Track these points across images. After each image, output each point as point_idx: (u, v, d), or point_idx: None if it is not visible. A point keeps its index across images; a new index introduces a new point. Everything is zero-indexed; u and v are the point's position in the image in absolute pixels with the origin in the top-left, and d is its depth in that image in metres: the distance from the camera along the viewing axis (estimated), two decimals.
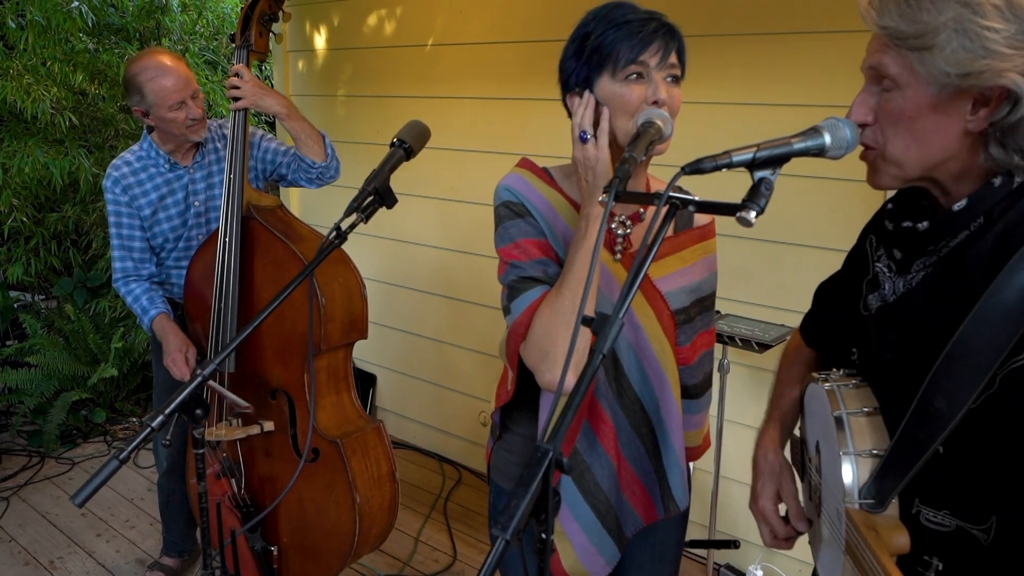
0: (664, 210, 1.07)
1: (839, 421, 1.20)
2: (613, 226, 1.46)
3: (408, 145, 1.61)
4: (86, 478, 2.97)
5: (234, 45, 2.49)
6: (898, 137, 1.08)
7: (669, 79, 1.36)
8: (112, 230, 2.62)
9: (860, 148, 1.14)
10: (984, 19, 0.98)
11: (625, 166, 1.09)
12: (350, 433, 2.39)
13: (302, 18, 4.29)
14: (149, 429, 1.30)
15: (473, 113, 3.58)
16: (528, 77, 3.37)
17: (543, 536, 1.02)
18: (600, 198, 1.13)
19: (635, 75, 1.34)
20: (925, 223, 1.12)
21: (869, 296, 1.25)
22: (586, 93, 1.36)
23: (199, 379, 1.34)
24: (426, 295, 3.98)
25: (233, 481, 2.50)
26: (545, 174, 1.48)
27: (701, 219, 1.55)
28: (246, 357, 2.46)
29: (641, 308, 1.45)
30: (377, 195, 1.55)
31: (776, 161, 1.04)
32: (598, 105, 1.36)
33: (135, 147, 2.65)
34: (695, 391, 1.57)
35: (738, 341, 2.50)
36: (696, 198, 1.07)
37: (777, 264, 2.78)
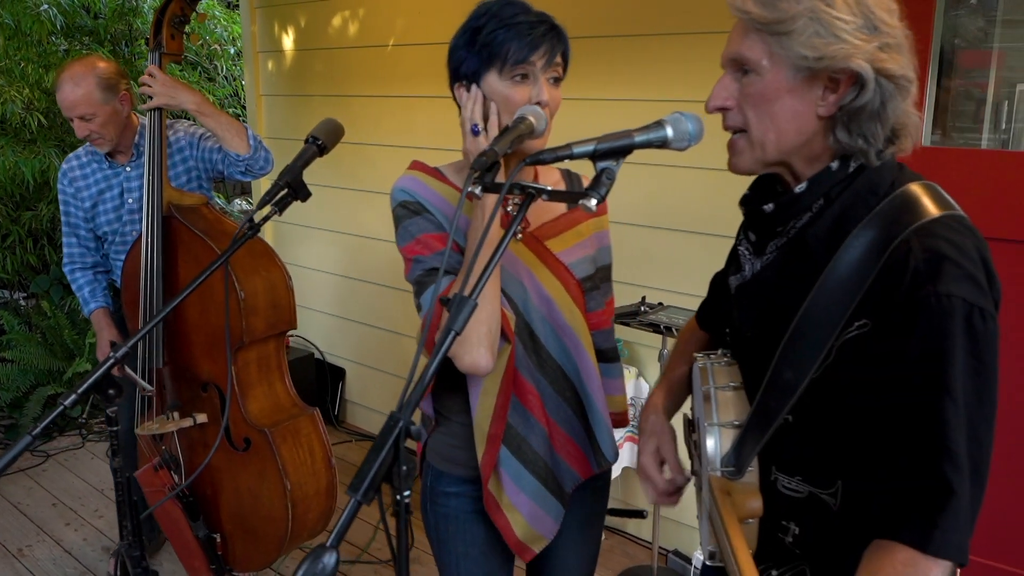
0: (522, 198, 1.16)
1: (707, 395, 1.28)
2: (509, 209, 1.52)
3: (321, 142, 1.70)
4: (60, 470, 3.06)
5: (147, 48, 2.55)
6: (759, 119, 1.14)
7: (551, 80, 1.44)
8: (63, 218, 2.76)
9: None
10: (835, 10, 1.07)
11: (483, 158, 1.17)
12: (281, 422, 2.47)
13: (271, 19, 4.38)
14: (62, 407, 1.39)
15: (432, 112, 3.66)
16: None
17: (398, 498, 1.10)
18: (470, 189, 1.21)
19: (521, 76, 1.41)
20: (771, 205, 1.20)
21: (731, 277, 1.33)
22: (474, 87, 1.43)
23: (111, 361, 1.43)
24: (385, 288, 4.08)
25: (173, 473, 2.59)
26: (437, 172, 1.56)
27: None
28: (177, 351, 2.54)
29: (548, 281, 1.53)
30: (290, 188, 1.64)
31: (617, 153, 1.12)
32: (486, 99, 1.43)
33: (87, 144, 2.76)
34: (611, 355, 1.67)
35: (675, 332, 2.59)
36: (548, 188, 1.16)
37: (718, 256, 2.86)
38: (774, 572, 1.28)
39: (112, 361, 1.44)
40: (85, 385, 1.42)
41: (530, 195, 1.16)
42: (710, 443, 1.24)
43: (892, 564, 1.01)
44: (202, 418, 2.54)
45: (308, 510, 2.52)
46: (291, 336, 4.40)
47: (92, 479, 3.82)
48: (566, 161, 1.22)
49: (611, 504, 2.40)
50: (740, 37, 1.15)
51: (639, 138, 1.14)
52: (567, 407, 1.59)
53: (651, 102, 2.89)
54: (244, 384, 2.51)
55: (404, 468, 1.09)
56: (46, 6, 3.88)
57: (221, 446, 2.56)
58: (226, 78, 5.54)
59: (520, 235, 1.53)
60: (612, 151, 1.12)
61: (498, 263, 1.38)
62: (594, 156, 1.12)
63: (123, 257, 2.73)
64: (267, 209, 1.63)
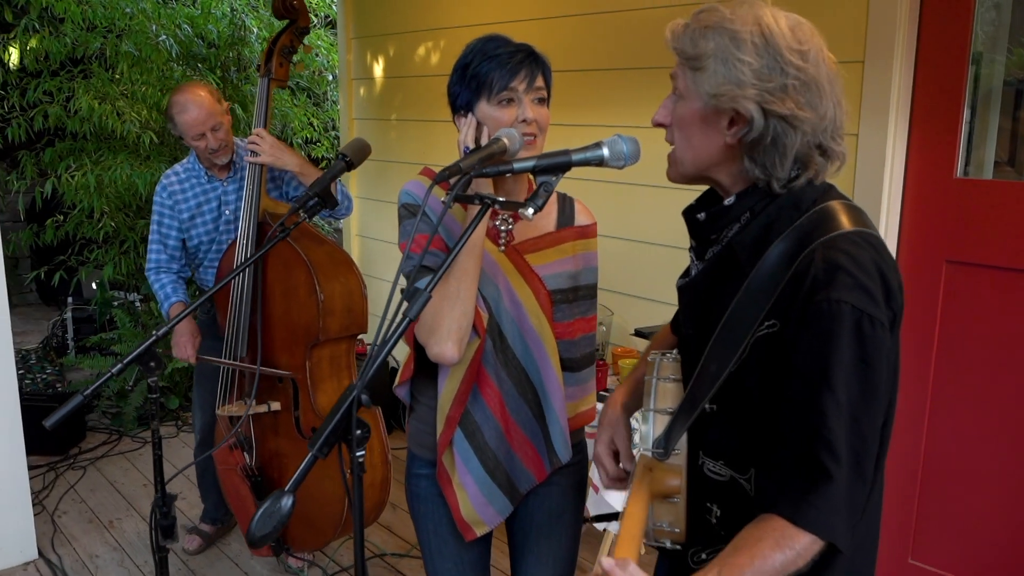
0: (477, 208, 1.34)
1: (649, 385, 1.42)
2: (498, 223, 1.71)
3: (349, 158, 1.93)
4: (153, 458, 3.41)
5: (258, 75, 2.87)
6: (679, 140, 1.30)
7: (536, 100, 1.62)
8: (153, 227, 3.07)
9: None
10: (740, 52, 1.20)
11: (445, 172, 1.36)
12: None
13: (364, 48, 4.72)
14: (109, 374, 1.66)
15: None
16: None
17: (359, 460, 1.30)
18: (443, 199, 1.39)
19: (506, 100, 1.60)
20: (703, 214, 1.35)
21: (678, 279, 1.47)
22: (469, 115, 1.63)
23: (152, 338, 1.68)
24: None
25: (246, 453, 2.86)
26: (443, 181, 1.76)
27: (582, 219, 1.80)
28: (265, 344, 2.81)
29: (521, 289, 1.69)
30: (319, 198, 1.86)
31: (556, 169, 1.29)
32: (479, 124, 1.62)
33: (185, 160, 3.10)
34: (574, 364, 1.78)
35: None
36: (501, 199, 1.33)
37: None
38: (704, 555, 1.40)
39: (153, 339, 1.70)
40: (130, 356, 1.68)
41: (486, 204, 1.34)
42: (645, 426, 1.38)
43: (764, 530, 1.13)
44: (276, 406, 2.81)
45: (363, 499, 2.74)
46: (368, 345, 4.68)
47: (180, 462, 4.18)
48: (549, 183, 1.38)
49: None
50: (677, 63, 1.30)
51: (576, 156, 1.30)
52: (527, 408, 1.73)
53: (640, 128, 3.02)
54: (316, 378, 2.76)
55: (359, 432, 1.28)
56: (164, 36, 4.33)
57: (289, 433, 2.82)
58: (333, 103, 5.95)
59: (504, 247, 1.70)
60: (551, 167, 1.28)
61: (454, 262, 1.53)
62: (535, 171, 1.28)
63: (216, 263, 3.05)
64: (298, 215, 1.86)
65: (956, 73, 2.50)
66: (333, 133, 5.96)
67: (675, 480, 1.32)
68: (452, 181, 1.38)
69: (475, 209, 1.59)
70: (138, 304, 5.36)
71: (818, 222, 1.23)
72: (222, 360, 2.77)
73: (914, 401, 2.66)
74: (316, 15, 5.79)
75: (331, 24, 5.92)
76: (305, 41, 2.97)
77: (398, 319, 1.29)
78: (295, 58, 2.95)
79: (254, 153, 2.74)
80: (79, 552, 3.39)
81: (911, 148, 2.62)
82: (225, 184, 3.05)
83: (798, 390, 1.16)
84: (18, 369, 5.46)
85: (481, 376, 1.71)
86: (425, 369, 1.74)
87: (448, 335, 1.56)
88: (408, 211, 1.70)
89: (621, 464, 1.54)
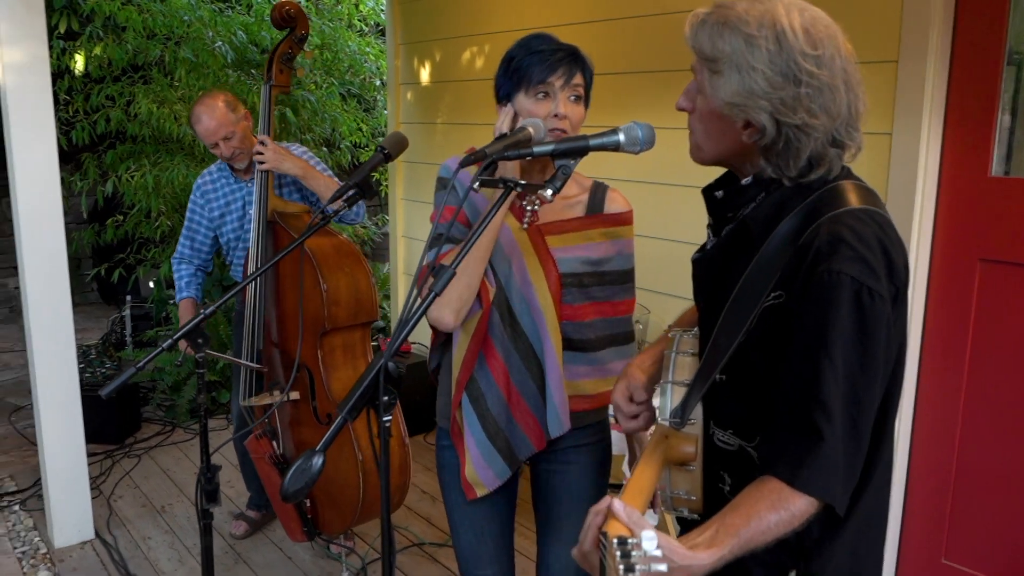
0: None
1: (668, 358, 1.49)
2: (524, 203, 1.80)
3: (387, 151, 2.02)
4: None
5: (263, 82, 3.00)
6: (700, 131, 1.35)
7: (572, 98, 1.71)
8: (186, 223, 3.26)
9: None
10: (753, 59, 1.23)
11: (470, 156, 1.44)
12: None
13: (411, 54, 4.84)
14: (161, 349, 1.77)
15: None
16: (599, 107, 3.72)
17: (385, 426, 1.38)
18: (474, 185, 1.48)
19: (543, 94, 1.69)
20: (720, 192, 1.41)
21: (694, 254, 1.53)
22: (508, 105, 1.73)
23: (200, 316, 1.80)
24: None
25: (274, 442, 2.98)
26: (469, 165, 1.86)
27: (614, 207, 1.85)
28: (277, 335, 2.95)
29: (534, 269, 1.77)
30: (359, 188, 1.96)
31: (574, 153, 1.36)
32: (516, 115, 1.71)
33: (218, 161, 3.27)
34: (586, 345, 1.84)
35: None
36: (522, 182, 1.41)
37: None
38: None
39: (201, 316, 1.81)
40: (179, 334, 1.79)
41: (509, 187, 1.42)
42: (662, 398, 1.44)
43: (761, 491, 1.18)
44: (295, 395, 2.92)
45: (389, 465, 2.83)
46: (412, 343, 4.79)
47: (230, 455, 4.32)
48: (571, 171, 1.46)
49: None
50: (695, 60, 1.36)
51: (593, 141, 1.37)
52: (531, 381, 1.82)
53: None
54: (329, 366, 2.87)
55: (385, 398, 1.37)
56: (220, 43, 4.51)
57: (308, 420, 2.93)
58: (383, 109, 6.10)
59: (527, 226, 1.78)
60: (569, 151, 1.36)
61: (478, 243, 1.63)
62: (553, 155, 1.36)
63: (244, 260, 3.19)
64: (337, 204, 1.96)
65: (991, 71, 2.51)
66: (380, 139, 6.10)
67: (690, 447, 1.37)
68: (478, 165, 1.47)
69: (498, 192, 1.67)
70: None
71: (827, 199, 1.28)
72: (224, 356, 2.91)
73: (948, 400, 2.66)
74: (366, 23, 5.95)
75: (382, 32, 6.07)
76: (306, 47, 3.09)
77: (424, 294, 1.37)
78: (295, 63, 3.06)
79: (259, 160, 2.89)
80: (132, 534, 3.54)
81: (945, 147, 2.63)
82: (249, 185, 3.19)
83: (797, 356, 1.21)
84: (79, 363, 5.70)
85: (487, 347, 1.80)
86: (448, 342, 1.85)
87: (448, 303, 1.68)
88: (441, 183, 1.81)
89: (636, 400, 1.58)
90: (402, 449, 2.85)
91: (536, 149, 1.36)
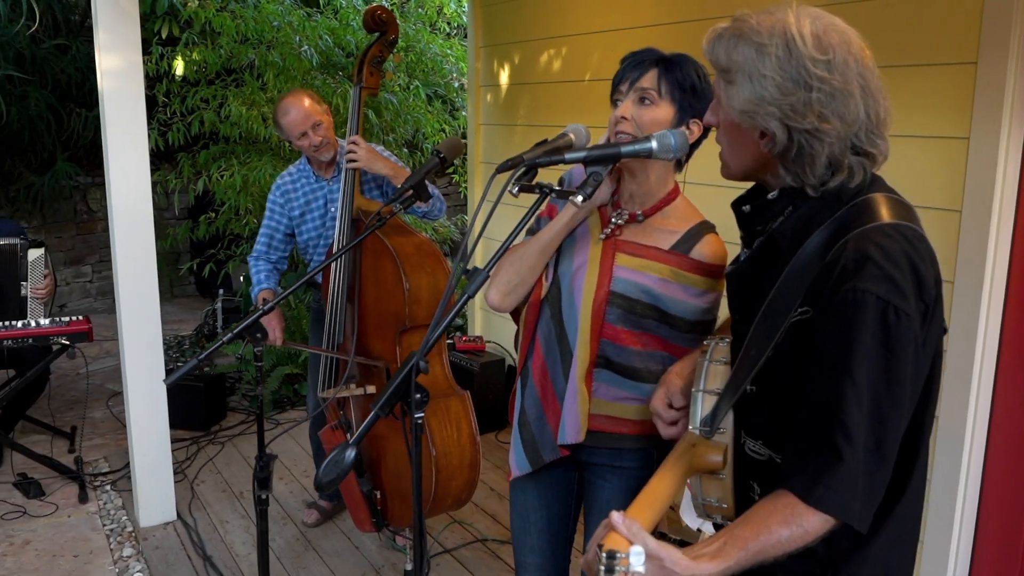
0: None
1: (700, 366, 1.49)
2: (614, 215, 1.79)
3: (443, 155, 2.07)
4: (285, 437, 3.82)
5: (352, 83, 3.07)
6: (724, 144, 1.37)
7: (640, 100, 1.68)
8: (265, 221, 3.35)
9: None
10: (764, 67, 1.23)
11: (507, 162, 1.47)
12: (434, 398, 2.85)
13: (491, 57, 4.90)
14: (220, 343, 1.86)
15: None
16: None
17: (417, 423, 1.43)
18: (513, 190, 1.51)
19: (616, 101, 1.72)
20: (748, 207, 1.40)
21: (728, 266, 1.52)
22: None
23: (260, 312, 1.88)
24: None
25: (348, 434, 3.07)
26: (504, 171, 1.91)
27: (704, 253, 1.74)
28: (359, 330, 3.02)
29: (590, 277, 1.77)
30: (414, 191, 2.02)
31: (606, 160, 1.38)
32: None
33: (297, 162, 3.37)
34: (623, 370, 1.80)
35: None
36: (556, 187, 1.43)
37: None
38: None
39: (261, 312, 1.90)
40: (240, 327, 1.88)
41: (544, 193, 1.44)
42: (693, 406, 1.44)
43: (775, 505, 1.18)
44: (371, 389, 3.00)
45: (452, 478, 2.88)
46: (488, 342, 4.85)
47: (306, 445, 4.47)
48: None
49: None
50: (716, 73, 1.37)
51: (625, 149, 1.38)
52: (563, 382, 1.84)
53: None
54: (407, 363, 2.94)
55: (418, 396, 1.41)
56: (306, 47, 4.66)
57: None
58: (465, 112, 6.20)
59: (604, 237, 1.78)
60: (601, 158, 1.37)
61: (540, 239, 1.71)
62: (585, 162, 1.38)
63: (324, 257, 3.29)
64: (394, 206, 2.01)
65: None
66: (464, 140, 6.19)
67: (716, 456, 1.37)
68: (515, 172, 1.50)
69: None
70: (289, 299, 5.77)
71: (857, 213, 1.26)
72: (306, 346, 2.97)
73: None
74: (451, 25, 6.05)
75: (465, 34, 6.17)
76: (395, 51, 3.16)
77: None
78: (384, 66, 3.13)
79: (351, 159, 2.96)
80: (212, 517, 3.71)
81: None
82: (330, 183, 3.29)
83: (820, 374, 1.20)
84: (173, 353, 6.01)
85: (535, 340, 1.87)
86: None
87: (498, 285, 1.79)
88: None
89: (676, 405, 1.58)
90: (473, 446, 2.90)
91: (568, 156, 1.38)
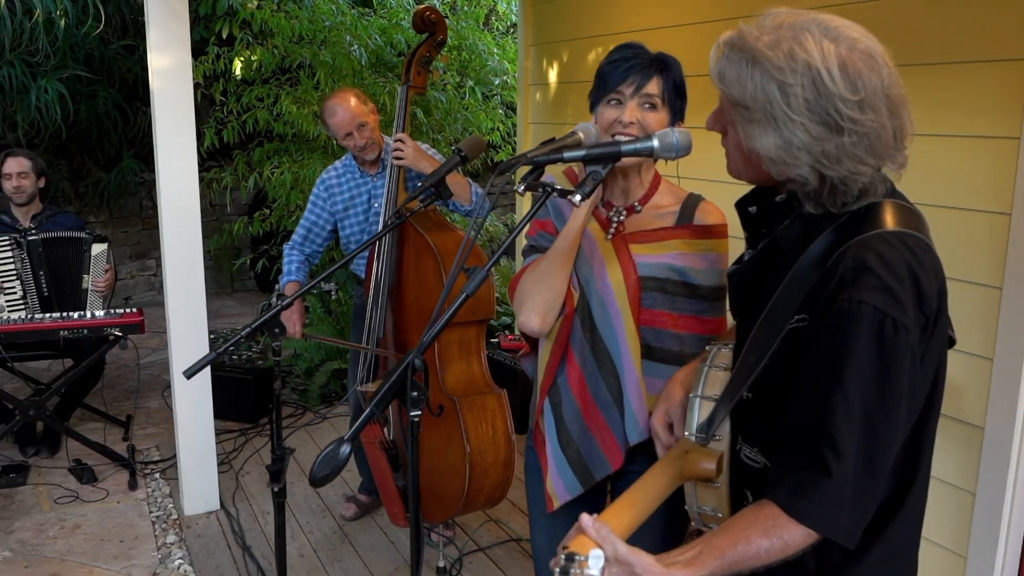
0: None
1: (700, 371, 1.46)
2: (612, 214, 1.81)
3: (464, 153, 2.07)
4: (330, 431, 3.89)
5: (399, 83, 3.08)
6: (737, 158, 1.32)
7: (645, 105, 1.68)
8: (306, 214, 3.40)
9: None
10: (791, 111, 1.14)
11: (509, 160, 1.46)
12: (470, 395, 2.86)
13: (540, 55, 4.88)
14: (239, 337, 1.89)
15: None
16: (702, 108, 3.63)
17: (413, 420, 1.43)
18: (519, 189, 1.50)
19: (614, 101, 1.70)
20: (754, 208, 1.36)
21: (731, 266, 1.48)
22: (593, 113, 1.77)
23: (278, 308, 1.91)
24: None
25: (384, 428, 3.09)
26: (571, 171, 1.88)
27: (705, 218, 1.79)
28: (396, 325, 3.05)
29: (613, 272, 1.76)
30: (435, 188, 2.02)
31: (606, 159, 1.35)
32: (595, 122, 1.73)
33: (344, 158, 3.42)
34: (663, 356, 1.78)
35: None
36: (558, 186, 1.42)
37: None
38: None
39: (279, 308, 1.93)
40: (257, 323, 1.91)
41: (546, 191, 1.43)
42: (690, 412, 1.41)
43: (756, 516, 1.15)
44: None
45: (485, 475, 2.88)
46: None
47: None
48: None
49: None
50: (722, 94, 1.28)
51: (626, 147, 1.36)
52: (607, 391, 1.78)
53: None
54: (445, 360, 2.95)
55: (415, 394, 1.41)
56: (356, 47, 4.72)
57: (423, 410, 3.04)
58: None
59: (611, 236, 1.78)
60: (601, 157, 1.35)
61: (557, 248, 1.66)
62: (585, 160, 1.36)
63: (367, 254, 3.32)
64: (415, 204, 2.02)
65: None
66: (515, 139, 6.19)
67: (710, 463, 1.34)
68: (524, 170, 1.49)
69: (585, 204, 1.66)
70: (334, 294, 5.85)
71: (860, 220, 1.22)
72: (327, 338, 3.00)
73: None
74: (502, 23, 6.05)
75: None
76: (443, 51, 3.17)
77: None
78: (432, 67, 3.13)
79: (398, 156, 2.98)
80: (254, 508, 3.79)
81: None
82: (375, 180, 3.32)
83: (810, 385, 1.17)
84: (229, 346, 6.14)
85: (568, 354, 1.80)
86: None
87: (534, 307, 1.72)
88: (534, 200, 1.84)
89: (675, 434, 1.56)
90: (507, 444, 2.89)
91: (567, 155, 1.36)
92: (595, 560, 0.98)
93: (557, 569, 0.95)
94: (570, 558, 0.96)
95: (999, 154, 2.47)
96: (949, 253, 2.56)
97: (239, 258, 7.59)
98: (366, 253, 3.36)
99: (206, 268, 8.13)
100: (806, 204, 1.25)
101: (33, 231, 4.22)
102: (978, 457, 2.55)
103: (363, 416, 1.36)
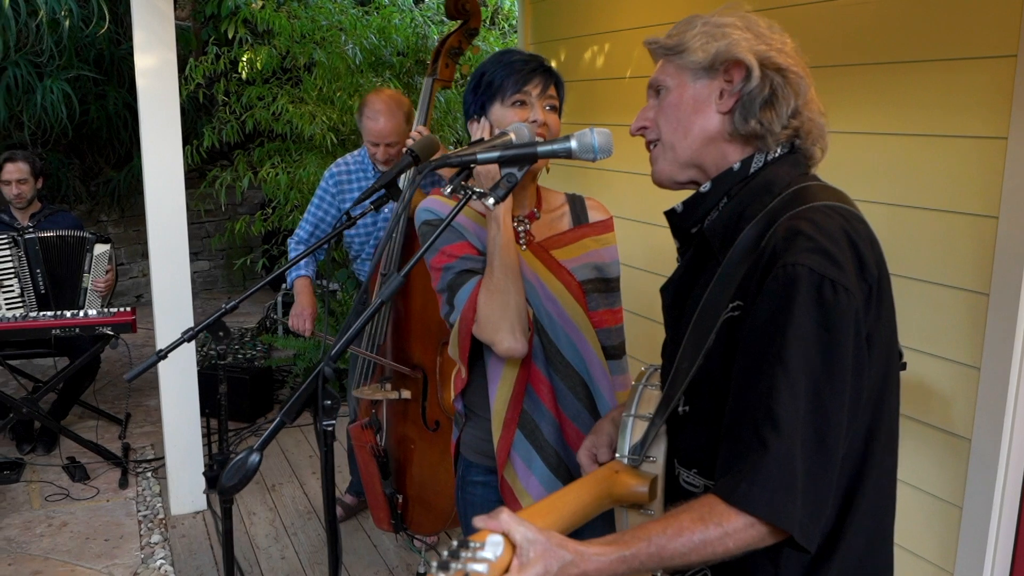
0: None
1: (634, 390, 1.39)
2: (515, 224, 1.75)
3: (415, 153, 2.01)
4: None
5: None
6: (669, 125, 1.27)
7: (548, 107, 1.70)
8: (311, 207, 3.31)
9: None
10: (723, 22, 1.23)
11: (433, 163, 1.41)
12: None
13: (539, 53, 4.83)
14: (182, 339, 1.86)
15: None
16: None
17: (326, 430, 1.38)
18: (445, 191, 1.45)
19: (519, 103, 1.67)
20: (680, 205, 1.30)
21: (663, 284, 1.42)
22: (483, 119, 1.70)
23: (222, 310, 1.87)
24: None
25: (377, 435, 3.05)
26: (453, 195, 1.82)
27: (596, 215, 1.85)
28: (398, 334, 2.98)
29: (553, 284, 1.72)
30: (386, 190, 1.97)
31: (522, 160, 1.30)
32: (491, 127, 1.68)
33: (356, 152, 3.32)
34: (614, 352, 1.82)
35: None
36: (477, 189, 1.36)
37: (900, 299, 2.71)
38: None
39: (222, 311, 1.89)
40: (201, 325, 1.88)
41: (467, 195, 1.38)
42: (621, 433, 1.34)
43: (692, 505, 1.05)
44: (407, 394, 2.96)
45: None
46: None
47: (344, 439, 4.50)
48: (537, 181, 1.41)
49: None
50: (658, 67, 1.30)
51: (542, 148, 1.31)
52: (578, 402, 1.73)
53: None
54: (445, 374, 2.88)
55: (328, 403, 1.37)
56: (351, 45, 4.69)
57: (416, 421, 2.98)
58: None
59: (525, 245, 1.74)
60: (516, 158, 1.30)
61: (495, 258, 1.60)
62: (500, 162, 1.31)
63: (372, 256, 3.26)
64: (365, 205, 1.97)
65: None
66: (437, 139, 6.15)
67: (641, 487, 1.27)
68: (449, 173, 1.44)
69: (497, 211, 1.63)
70: (339, 294, 5.84)
71: (790, 201, 1.17)
72: (335, 339, 2.96)
73: None
74: (507, 22, 6.00)
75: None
76: (473, 43, 3.07)
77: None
78: (461, 59, 3.04)
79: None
80: (240, 508, 3.77)
81: None
82: None
83: (749, 362, 1.08)
84: (232, 345, 6.15)
85: (532, 372, 1.73)
86: (478, 378, 1.78)
87: (512, 329, 1.62)
88: (431, 226, 1.77)
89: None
90: None
91: (480, 156, 1.31)
92: (492, 546, 0.91)
93: (446, 551, 0.88)
94: (463, 544, 0.90)
95: (985, 154, 2.37)
96: (933, 257, 2.50)
97: (251, 255, 7.63)
98: (371, 253, 3.31)
99: (216, 267, 8.25)
100: (741, 126, 1.22)
101: (31, 230, 4.25)
102: (965, 469, 2.46)
103: (273, 425, 1.32)
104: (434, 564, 0.88)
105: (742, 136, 1.22)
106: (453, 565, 0.88)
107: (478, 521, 0.99)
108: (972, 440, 2.41)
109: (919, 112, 2.50)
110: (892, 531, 1.24)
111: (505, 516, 0.99)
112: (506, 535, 0.97)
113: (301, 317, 3.22)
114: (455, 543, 0.92)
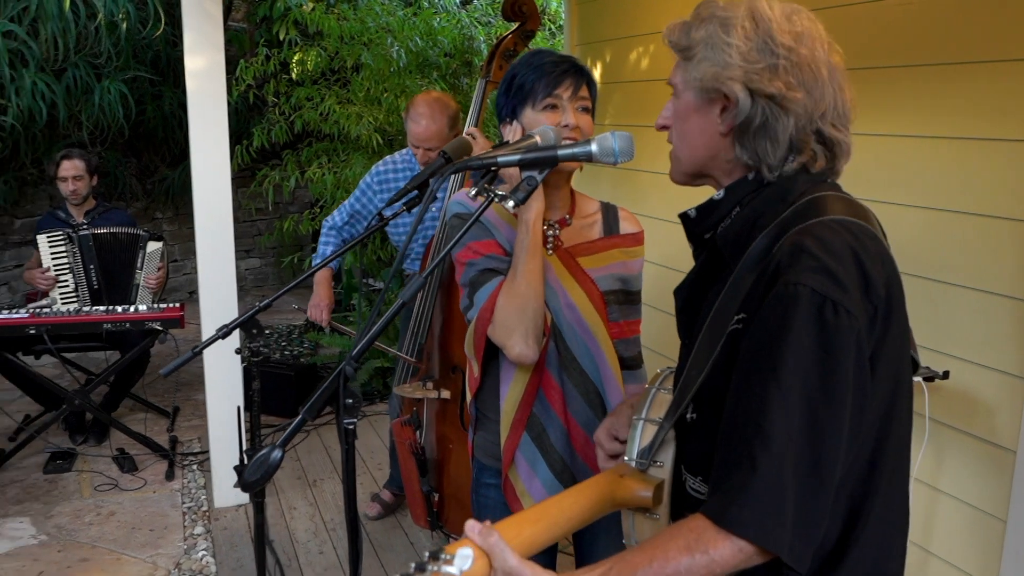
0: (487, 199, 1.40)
1: (647, 393, 1.39)
2: (545, 228, 1.75)
3: (448, 155, 2.03)
4: (367, 429, 3.85)
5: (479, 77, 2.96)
6: (677, 136, 1.28)
7: (580, 109, 1.68)
8: (351, 198, 3.35)
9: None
10: (728, 36, 1.17)
11: (456, 166, 1.42)
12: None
13: (585, 55, 4.81)
14: (215, 336, 1.90)
15: None
16: None
17: (347, 428, 1.40)
18: (470, 193, 1.46)
19: (550, 106, 1.66)
20: (693, 210, 1.30)
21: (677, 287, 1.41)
22: (514, 122, 1.70)
23: (256, 308, 1.91)
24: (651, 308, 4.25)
25: (417, 432, 3.08)
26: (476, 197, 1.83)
27: (628, 227, 1.84)
28: (441, 333, 3.00)
29: (574, 290, 1.72)
30: (418, 191, 1.99)
31: (541, 163, 1.31)
32: (523, 131, 1.68)
33: (404, 151, 3.36)
34: (632, 363, 1.83)
35: None
36: (500, 192, 1.37)
37: (931, 303, 2.65)
38: None
39: (257, 308, 1.93)
40: (235, 322, 1.92)
41: (490, 197, 1.39)
42: (631, 435, 1.34)
43: (679, 529, 1.04)
44: (446, 394, 2.98)
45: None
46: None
47: (387, 439, 4.55)
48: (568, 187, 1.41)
49: None
50: (673, 65, 1.29)
51: (562, 152, 1.31)
52: (589, 409, 1.73)
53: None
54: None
55: (349, 401, 1.39)
56: (396, 47, 4.74)
57: (453, 421, 3.00)
58: None
59: (552, 250, 1.73)
60: (536, 162, 1.30)
61: (519, 262, 1.61)
62: (520, 165, 1.31)
63: (421, 255, 3.28)
64: (397, 207, 2.00)
65: None
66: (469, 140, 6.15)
67: (646, 491, 1.26)
68: (477, 176, 1.45)
69: (527, 214, 1.63)
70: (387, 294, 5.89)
71: (802, 212, 1.15)
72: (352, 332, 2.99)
73: None
74: (553, 23, 6.00)
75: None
76: (529, 45, 3.07)
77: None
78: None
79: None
80: (282, 502, 3.84)
81: None
82: (435, 181, 3.27)
83: (744, 380, 1.07)
84: (281, 341, 6.27)
85: (545, 377, 1.73)
86: (490, 380, 1.79)
87: (526, 335, 1.62)
88: (461, 220, 1.77)
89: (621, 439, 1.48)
90: None
91: (501, 159, 1.31)
92: (461, 559, 0.91)
93: (412, 564, 0.88)
94: (434, 556, 0.90)
95: (1013, 158, 2.30)
96: (978, 263, 2.44)
97: (301, 253, 7.74)
98: (421, 250, 3.33)
99: (267, 264, 8.38)
100: (742, 155, 1.19)
101: (86, 227, 4.37)
102: (1010, 481, 2.38)
103: (294, 423, 1.35)
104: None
105: (745, 160, 1.21)
106: None
107: (469, 529, 0.99)
108: (1017, 452, 2.34)
109: (962, 115, 2.44)
110: (904, 548, 1.21)
111: (495, 539, 0.98)
112: (488, 556, 0.97)
113: (319, 308, 3.27)
114: (427, 553, 0.92)
